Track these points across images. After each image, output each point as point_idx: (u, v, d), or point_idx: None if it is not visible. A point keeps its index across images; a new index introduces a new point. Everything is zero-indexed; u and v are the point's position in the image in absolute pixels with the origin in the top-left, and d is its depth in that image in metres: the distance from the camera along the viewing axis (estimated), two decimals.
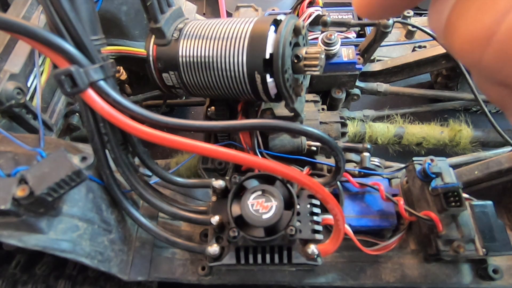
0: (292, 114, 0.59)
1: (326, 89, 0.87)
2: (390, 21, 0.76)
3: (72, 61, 0.36)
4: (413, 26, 0.95)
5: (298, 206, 0.51)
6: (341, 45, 0.77)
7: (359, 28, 0.97)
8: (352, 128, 0.92)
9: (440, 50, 0.91)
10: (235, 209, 0.48)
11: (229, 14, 1.36)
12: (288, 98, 0.53)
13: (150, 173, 0.56)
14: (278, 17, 0.53)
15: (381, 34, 0.78)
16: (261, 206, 0.47)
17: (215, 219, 0.49)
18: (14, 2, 0.71)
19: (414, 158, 0.64)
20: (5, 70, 0.60)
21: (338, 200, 0.62)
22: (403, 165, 0.67)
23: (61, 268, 0.61)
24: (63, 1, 0.34)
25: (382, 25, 0.76)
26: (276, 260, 0.50)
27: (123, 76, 1.03)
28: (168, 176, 0.56)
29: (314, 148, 0.67)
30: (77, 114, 0.82)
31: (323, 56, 0.51)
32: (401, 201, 0.58)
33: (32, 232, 0.43)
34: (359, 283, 0.59)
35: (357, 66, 0.79)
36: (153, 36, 0.56)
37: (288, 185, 0.50)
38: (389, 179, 0.67)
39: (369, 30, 0.94)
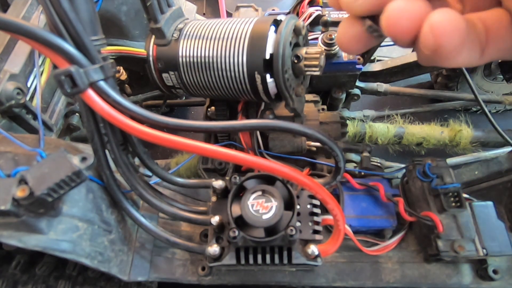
0: (292, 114, 0.59)
1: (326, 89, 0.87)
2: None
3: (72, 61, 0.36)
4: None
5: (298, 207, 0.51)
6: None
7: None
8: (352, 128, 0.92)
9: None
10: (235, 210, 0.48)
11: (229, 14, 1.36)
12: (288, 98, 0.53)
13: (150, 174, 0.56)
14: (278, 17, 0.53)
15: None
16: (261, 207, 0.47)
17: (215, 220, 0.49)
18: (14, 2, 0.71)
19: (414, 158, 0.64)
20: (5, 70, 0.60)
21: (338, 200, 0.62)
22: (403, 165, 0.67)
23: (61, 268, 0.61)
24: (63, 1, 0.34)
25: None
26: (276, 260, 0.50)
27: (123, 76, 1.03)
28: (168, 176, 0.56)
29: (314, 149, 0.67)
30: (77, 114, 0.82)
31: (323, 56, 0.51)
32: (401, 202, 0.58)
33: (32, 232, 0.42)
34: (359, 283, 0.59)
35: (357, 66, 0.79)
36: (153, 36, 0.56)
37: (288, 186, 0.50)
38: (389, 179, 0.67)
39: None
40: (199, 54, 0.54)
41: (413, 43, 0.26)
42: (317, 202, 0.53)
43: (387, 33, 0.25)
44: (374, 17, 0.28)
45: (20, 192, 0.37)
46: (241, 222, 0.47)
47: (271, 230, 0.47)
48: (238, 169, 0.70)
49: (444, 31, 0.23)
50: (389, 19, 0.25)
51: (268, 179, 0.51)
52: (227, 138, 0.71)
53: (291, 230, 0.45)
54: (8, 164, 0.43)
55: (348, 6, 0.28)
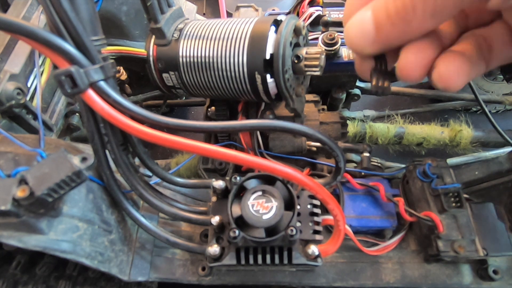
0: (292, 114, 0.59)
1: (327, 89, 0.87)
2: None
3: (72, 61, 0.36)
4: None
5: (298, 207, 0.51)
6: (341, 45, 0.76)
7: None
8: (352, 128, 0.92)
9: None
10: (236, 210, 0.48)
11: (229, 14, 1.36)
12: (289, 98, 0.53)
13: (150, 174, 0.56)
14: (279, 17, 0.53)
15: None
16: (262, 207, 0.47)
17: (215, 220, 0.49)
18: (14, 2, 0.71)
19: (414, 159, 0.64)
20: (5, 70, 0.60)
21: (339, 200, 0.62)
22: (403, 166, 0.67)
23: (61, 268, 0.61)
24: (63, 1, 0.34)
25: None
26: (277, 260, 0.50)
27: (123, 76, 1.03)
28: (168, 176, 0.56)
29: (315, 149, 0.67)
30: (77, 114, 0.82)
31: (323, 56, 0.51)
32: (401, 202, 0.58)
33: (32, 232, 0.42)
34: (359, 284, 0.59)
35: None
36: (153, 36, 0.56)
37: (289, 186, 0.50)
38: (390, 180, 0.67)
39: None
40: (199, 54, 0.54)
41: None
42: (317, 202, 0.53)
43: (402, 79, 0.29)
44: (382, 55, 0.31)
45: (21, 192, 0.37)
46: (241, 222, 0.47)
47: (271, 230, 0.47)
48: (238, 169, 0.70)
49: (450, 78, 0.27)
50: (403, 70, 0.29)
51: (269, 179, 0.51)
52: (227, 138, 0.71)
53: (292, 230, 0.45)
54: (8, 164, 0.43)
55: (356, 50, 0.31)
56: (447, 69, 0.27)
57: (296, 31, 0.52)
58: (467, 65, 0.27)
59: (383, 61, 0.31)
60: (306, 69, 0.52)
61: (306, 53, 0.51)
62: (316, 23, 0.87)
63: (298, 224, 0.50)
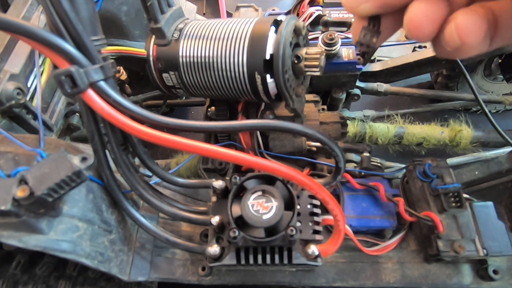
0: (292, 114, 0.59)
1: (326, 89, 0.87)
2: None
3: (72, 61, 0.36)
4: None
5: (298, 207, 0.51)
6: (341, 45, 0.76)
7: None
8: (352, 128, 0.92)
9: None
10: (236, 210, 0.48)
11: (229, 14, 1.36)
12: (289, 98, 0.53)
13: (150, 174, 0.56)
14: (279, 18, 0.53)
15: None
16: (262, 207, 0.47)
17: (215, 220, 0.49)
18: (14, 2, 0.71)
19: (414, 159, 0.64)
20: (5, 70, 0.60)
21: (339, 200, 0.62)
22: (403, 165, 0.67)
23: (61, 268, 0.61)
24: (63, 1, 0.34)
25: None
26: (277, 260, 0.50)
27: (123, 76, 1.03)
28: (168, 176, 0.56)
29: (315, 149, 0.67)
30: (77, 114, 0.82)
31: (323, 56, 0.51)
32: (401, 202, 0.58)
33: (32, 232, 0.42)
34: (359, 284, 0.59)
35: (357, 66, 0.79)
36: (153, 36, 0.56)
37: (289, 186, 0.50)
38: (390, 180, 0.67)
39: None
40: (199, 54, 0.54)
41: (432, 39, 0.28)
42: (317, 202, 0.53)
43: (410, 35, 0.27)
44: (377, 18, 0.31)
45: (21, 192, 0.37)
46: (241, 222, 0.47)
47: (271, 230, 0.47)
48: (238, 169, 0.70)
49: (469, 32, 0.25)
50: (412, 22, 0.26)
51: (268, 179, 0.51)
52: (227, 138, 0.71)
53: (291, 230, 0.45)
54: (8, 164, 0.43)
55: (352, 10, 0.31)
56: (467, 20, 0.25)
57: (296, 31, 0.52)
58: (485, 23, 0.25)
59: (377, 23, 0.31)
60: (306, 69, 0.52)
61: (306, 53, 0.51)
62: (316, 23, 0.87)
63: (298, 224, 0.50)
